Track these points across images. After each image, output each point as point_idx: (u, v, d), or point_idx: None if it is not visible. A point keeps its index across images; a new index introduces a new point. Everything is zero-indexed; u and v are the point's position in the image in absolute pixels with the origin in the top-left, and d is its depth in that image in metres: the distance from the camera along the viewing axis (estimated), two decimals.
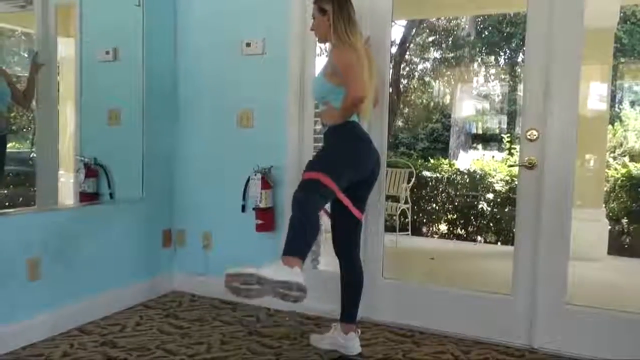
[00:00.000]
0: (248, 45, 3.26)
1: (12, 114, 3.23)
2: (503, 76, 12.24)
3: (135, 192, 3.33)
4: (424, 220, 6.80)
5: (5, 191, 3.05)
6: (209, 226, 3.46)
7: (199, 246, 3.50)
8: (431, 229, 6.84)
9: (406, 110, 13.07)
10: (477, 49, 11.86)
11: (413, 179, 6.08)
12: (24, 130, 3.40)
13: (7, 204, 2.97)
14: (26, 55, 3.24)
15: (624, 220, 5.90)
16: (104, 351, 2.60)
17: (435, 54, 12.57)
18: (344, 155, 2.44)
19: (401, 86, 12.13)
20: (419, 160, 7.53)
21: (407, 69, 12.67)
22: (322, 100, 2.64)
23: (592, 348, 2.61)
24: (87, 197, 3.21)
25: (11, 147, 3.16)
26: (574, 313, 2.66)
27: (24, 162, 3.30)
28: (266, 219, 3.17)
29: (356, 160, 2.46)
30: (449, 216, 6.71)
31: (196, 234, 3.51)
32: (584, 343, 2.63)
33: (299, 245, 2.21)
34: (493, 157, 9.55)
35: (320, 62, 2.73)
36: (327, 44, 2.65)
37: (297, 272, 2.09)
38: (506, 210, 6.15)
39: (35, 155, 3.28)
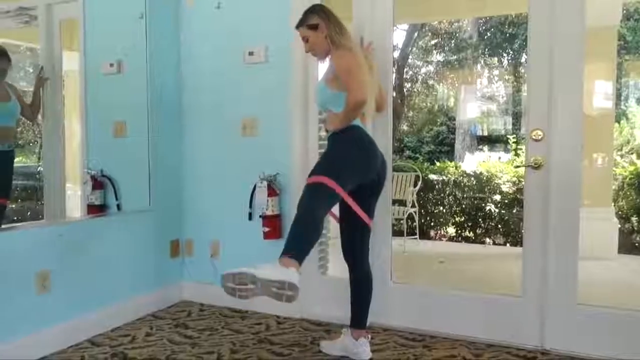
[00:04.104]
0: (251, 53, 3.27)
1: (19, 129, 3.26)
2: (507, 77, 12.23)
3: (143, 203, 3.34)
4: (432, 224, 6.78)
5: (13, 205, 3.08)
6: (217, 235, 3.47)
7: (207, 255, 3.50)
8: (439, 232, 6.81)
9: (410, 113, 13.08)
10: (480, 51, 11.86)
11: (419, 183, 6.07)
12: (31, 144, 3.43)
13: (15, 218, 2.99)
14: (31, 70, 3.27)
15: (634, 219, 5.86)
16: None
17: (438, 57, 12.59)
18: (348, 158, 2.43)
19: (405, 90, 12.14)
20: (425, 164, 7.54)
21: (410, 72, 12.69)
22: (324, 107, 2.64)
23: (604, 348, 2.59)
24: (95, 209, 3.22)
25: (18, 161, 3.19)
26: (586, 313, 2.64)
27: (32, 176, 3.32)
28: (273, 226, 3.17)
29: (360, 162, 2.45)
30: (456, 219, 6.68)
31: (204, 243, 3.51)
32: (597, 343, 2.60)
33: (297, 246, 2.20)
34: (499, 158, 9.53)
35: (323, 68, 2.73)
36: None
37: (291, 272, 2.08)
38: (514, 211, 6.12)
39: (42, 169, 3.31)
